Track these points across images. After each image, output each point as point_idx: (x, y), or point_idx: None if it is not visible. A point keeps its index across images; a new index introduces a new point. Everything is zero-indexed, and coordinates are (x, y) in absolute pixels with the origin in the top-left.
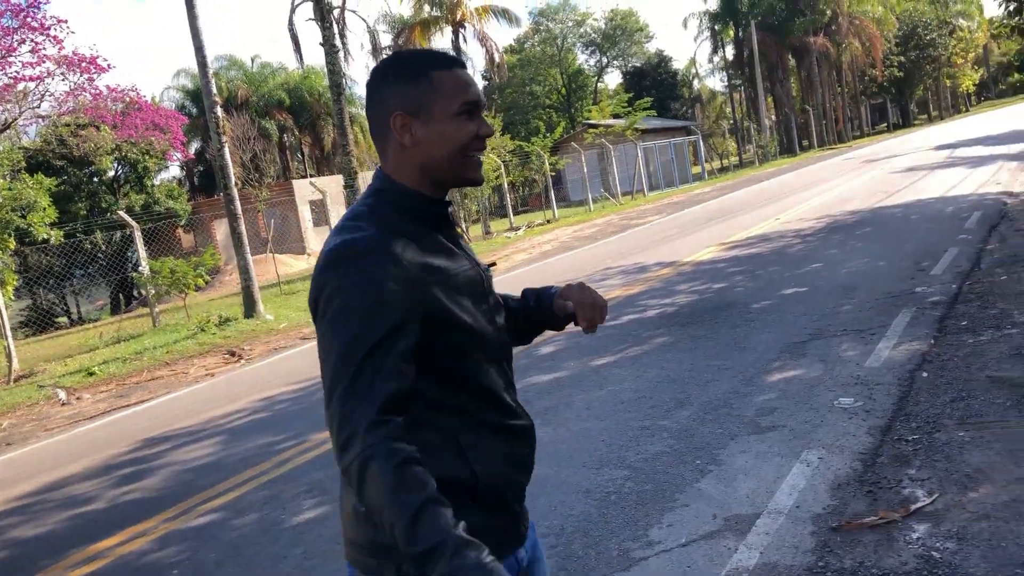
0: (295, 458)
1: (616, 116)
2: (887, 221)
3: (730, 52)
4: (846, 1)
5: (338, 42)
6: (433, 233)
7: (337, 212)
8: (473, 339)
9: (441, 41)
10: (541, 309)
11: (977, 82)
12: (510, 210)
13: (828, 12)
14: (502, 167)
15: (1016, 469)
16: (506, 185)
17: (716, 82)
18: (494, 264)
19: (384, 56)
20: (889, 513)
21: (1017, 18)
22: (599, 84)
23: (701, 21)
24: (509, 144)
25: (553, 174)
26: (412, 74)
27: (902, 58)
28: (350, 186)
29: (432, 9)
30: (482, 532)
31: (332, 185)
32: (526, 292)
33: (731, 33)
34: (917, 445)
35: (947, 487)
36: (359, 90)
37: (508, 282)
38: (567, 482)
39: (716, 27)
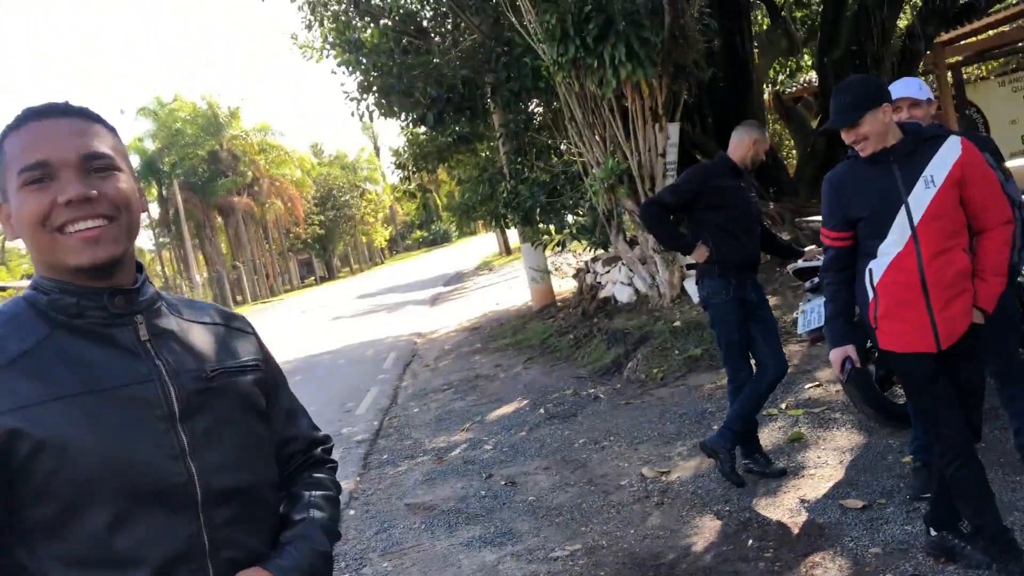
0: None
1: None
2: (317, 368)
3: (155, 210)
4: (265, 165)
5: None
6: (74, 335)
7: None
8: (107, 481)
9: None
10: None
11: (388, 238)
12: None
13: (250, 174)
14: None
15: None
16: None
17: (145, 240)
18: (257, 367)
19: None
20: None
21: (408, 183)
22: None
23: None
24: None
25: None
26: None
27: (322, 217)
28: None
29: None
30: None
31: None
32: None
33: (155, 192)
34: None
35: None
36: None
37: None
38: None
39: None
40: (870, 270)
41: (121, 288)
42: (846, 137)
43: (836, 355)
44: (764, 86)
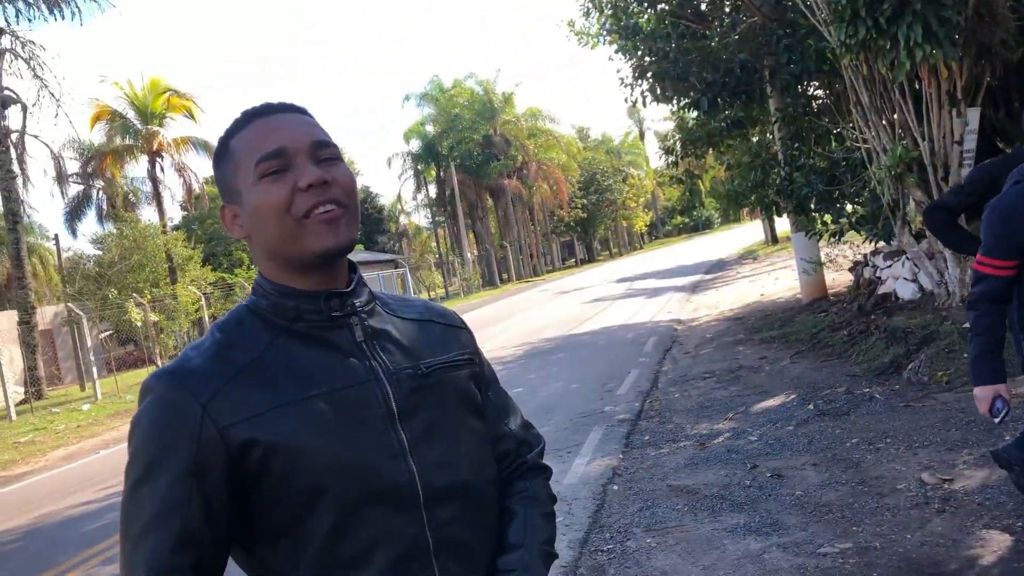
0: None
1: None
2: (578, 347)
3: (433, 191)
4: (533, 149)
5: (16, 167)
6: (295, 340)
7: (10, 351)
8: (335, 483)
9: (136, 169)
10: None
11: (648, 223)
12: None
13: (519, 157)
14: (203, 299)
15: (693, 569)
16: (207, 319)
17: (421, 218)
18: (469, 360)
19: (71, 182)
20: None
21: (674, 169)
22: None
23: (405, 161)
24: (210, 276)
25: None
26: (219, 154)
27: (585, 200)
28: (26, 322)
29: (126, 138)
30: None
31: (3, 321)
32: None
33: (433, 173)
34: (611, 555)
35: None
36: (39, 218)
37: None
38: None
39: (419, 167)
40: None
41: (335, 291)
42: None
43: (986, 393)
44: None
